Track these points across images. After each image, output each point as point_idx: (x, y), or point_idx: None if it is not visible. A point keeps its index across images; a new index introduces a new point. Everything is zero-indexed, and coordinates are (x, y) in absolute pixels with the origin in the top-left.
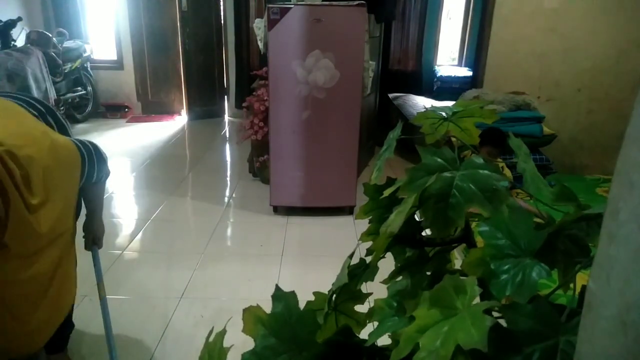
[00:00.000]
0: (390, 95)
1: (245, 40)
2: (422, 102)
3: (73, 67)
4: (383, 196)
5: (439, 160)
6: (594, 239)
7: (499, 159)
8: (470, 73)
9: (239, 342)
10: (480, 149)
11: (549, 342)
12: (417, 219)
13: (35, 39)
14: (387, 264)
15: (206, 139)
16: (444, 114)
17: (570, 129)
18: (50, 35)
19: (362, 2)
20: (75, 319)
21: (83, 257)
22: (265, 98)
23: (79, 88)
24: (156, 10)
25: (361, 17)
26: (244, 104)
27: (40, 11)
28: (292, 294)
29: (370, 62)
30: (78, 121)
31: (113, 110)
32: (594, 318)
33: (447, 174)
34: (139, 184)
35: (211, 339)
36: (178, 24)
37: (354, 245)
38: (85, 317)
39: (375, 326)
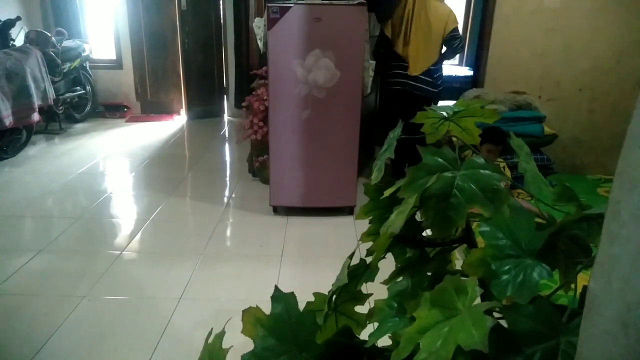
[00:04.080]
0: None
1: (245, 40)
2: None
3: (72, 67)
4: (383, 196)
5: (439, 160)
6: (595, 239)
7: (499, 159)
8: (470, 72)
9: (239, 343)
10: (480, 147)
11: (550, 342)
12: (418, 219)
13: (34, 39)
14: (387, 265)
15: (205, 138)
16: (444, 113)
17: (572, 129)
18: (49, 35)
19: (363, 1)
20: (74, 319)
21: (82, 257)
22: (264, 97)
23: (78, 88)
24: (155, 10)
25: (361, 16)
26: (243, 104)
27: (39, 11)
28: (292, 295)
29: (371, 61)
30: (77, 121)
31: (112, 110)
32: (595, 318)
33: (448, 174)
34: (138, 184)
35: (210, 340)
36: (177, 24)
37: (354, 245)
38: (85, 317)
39: (376, 327)
